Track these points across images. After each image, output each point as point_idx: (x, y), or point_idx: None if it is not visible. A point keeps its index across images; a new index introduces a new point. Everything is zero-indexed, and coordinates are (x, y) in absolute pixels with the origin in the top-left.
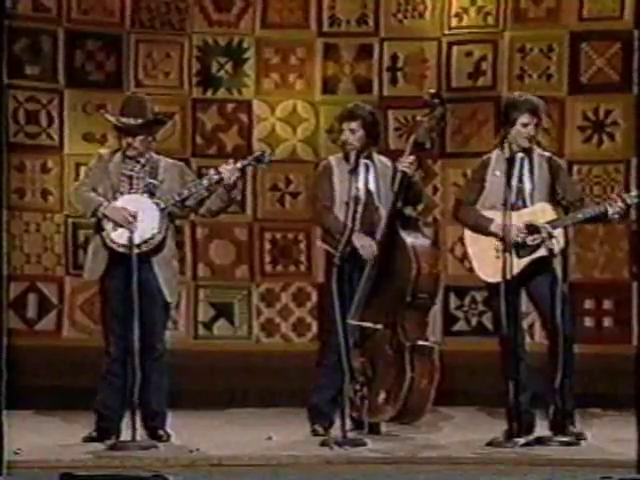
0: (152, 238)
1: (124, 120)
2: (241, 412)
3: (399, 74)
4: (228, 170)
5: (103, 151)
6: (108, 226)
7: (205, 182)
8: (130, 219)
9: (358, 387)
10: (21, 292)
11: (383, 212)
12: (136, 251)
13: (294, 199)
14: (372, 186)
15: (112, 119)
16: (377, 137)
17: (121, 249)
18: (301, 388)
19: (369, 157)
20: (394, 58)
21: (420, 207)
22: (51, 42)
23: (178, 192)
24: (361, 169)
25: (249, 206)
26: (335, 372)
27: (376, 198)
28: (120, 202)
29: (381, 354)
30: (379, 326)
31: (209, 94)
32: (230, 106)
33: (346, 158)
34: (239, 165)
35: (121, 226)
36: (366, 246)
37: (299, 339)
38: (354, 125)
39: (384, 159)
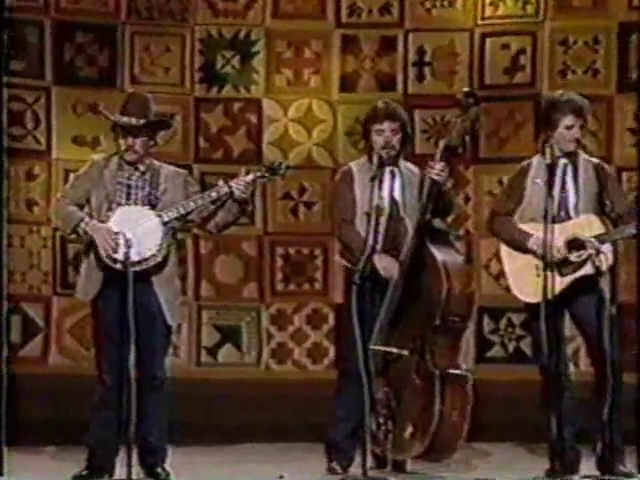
0: (153, 255)
1: (125, 120)
2: (249, 448)
3: (426, 70)
4: (240, 185)
5: (97, 157)
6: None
7: (214, 195)
8: (112, 243)
9: (381, 420)
10: (5, 313)
11: (409, 224)
12: (135, 269)
13: (309, 210)
14: (398, 195)
15: (112, 117)
16: (408, 141)
17: (118, 266)
18: (317, 421)
19: (395, 163)
20: (421, 52)
21: (450, 219)
22: (37, 34)
23: (183, 205)
24: (386, 176)
25: (259, 217)
26: (355, 403)
27: (402, 209)
28: (118, 214)
29: (407, 383)
30: (405, 352)
31: (214, 92)
32: (237, 106)
33: (370, 164)
34: (251, 178)
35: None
36: (388, 268)
37: (314, 366)
38: (395, 125)
39: (411, 166)
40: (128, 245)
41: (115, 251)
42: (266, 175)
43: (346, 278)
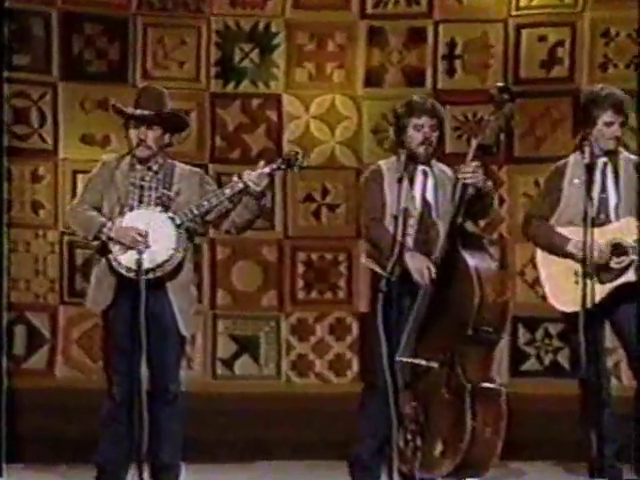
0: (167, 261)
1: (138, 112)
2: (267, 466)
3: (457, 63)
4: (254, 177)
5: (107, 157)
6: (116, 248)
7: (228, 192)
8: (140, 239)
9: (409, 436)
10: (7, 324)
11: (441, 229)
12: (149, 276)
13: (332, 212)
14: (430, 197)
15: (128, 111)
16: (442, 140)
17: (132, 274)
18: (340, 437)
19: (428, 162)
20: (451, 44)
21: (484, 222)
22: (43, 26)
23: (197, 205)
24: (418, 176)
25: (278, 221)
26: (381, 419)
27: (434, 211)
28: (128, 218)
29: (437, 398)
30: (434, 364)
31: (231, 88)
32: (256, 102)
33: (403, 161)
34: (267, 170)
35: (131, 249)
36: (421, 268)
37: (337, 379)
38: (434, 121)
39: (443, 166)
40: (140, 251)
41: (143, 246)
42: (282, 167)
43: (372, 284)
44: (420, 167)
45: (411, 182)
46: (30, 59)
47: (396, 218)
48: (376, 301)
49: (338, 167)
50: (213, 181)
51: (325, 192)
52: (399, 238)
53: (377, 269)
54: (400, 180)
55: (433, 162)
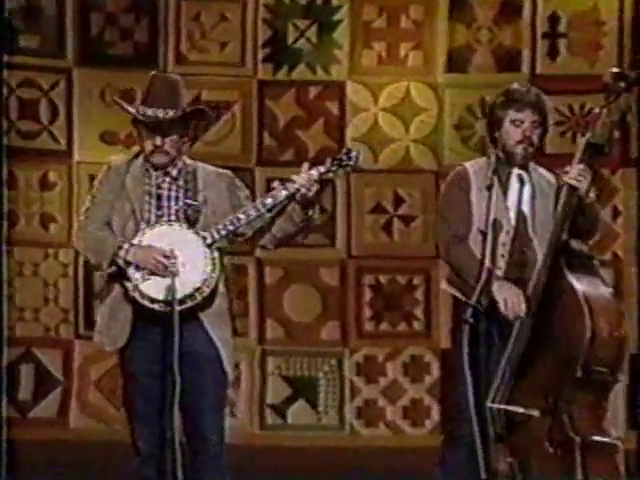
0: (199, 289)
1: (149, 112)
2: None
3: (561, 43)
4: (301, 181)
5: (116, 160)
6: (135, 275)
7: (269, 201)
8: (167, 263)
9: None
10: (11, 362)
11: (539, 247)
12: (178, 307)
13: (406, 226)
14: (526, 208)
15: (132, 110)
16: (544, 139)
17: (157, 306)
18: None
19: (525, 166)
20: (553, 20)
21: (594, 239)
22: (55, 2)
23: (232, 219)
24: (513, 183)
25: (341, 236)
26: (467, 476)
27: (530, 226)
28: (149, 238)
29: (538, 453)
30: (534, 412)
31: (283, 74)
32: (313, 91)
33: (494, 163)
34: (315, 172)
35: (155, 274)
36: (511, 301)
37: (414, 429)
38: (537, 117)
39: (543, 170)
40: (174, 275)
41: (172, 270)
42: (333, 168)
43: (455, 314)
44: (515, 171)
45: (504, 190)
46: (40, 41)
47: (484, 235)
48: (460, 334)
49: (413, 170)
50: (244, 185)
51: (398, 201)
52: (487, 262)
53: (460, 296)
54: (490, 187)
55: (532, 165)
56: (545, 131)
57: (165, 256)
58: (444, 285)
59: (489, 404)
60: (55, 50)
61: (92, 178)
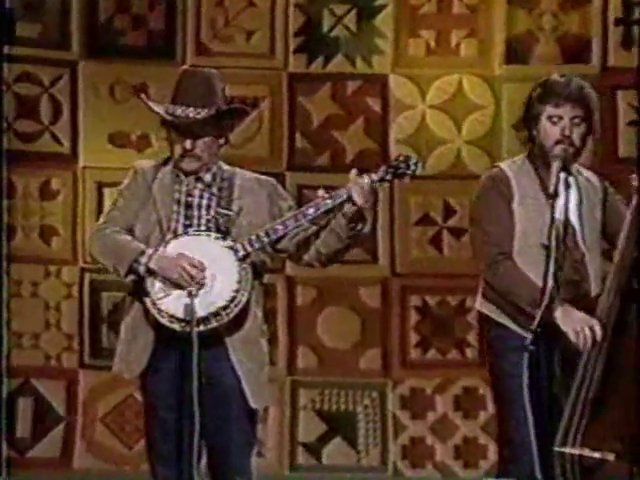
0: (226, 308)
1: (179, 112)
2: None
3: (636, 31)
4: (352, 189)
5: (142, 164)
6: (155, 288)
7: (311, 212)
8: (195, 273)
9: None
10: (8, 395)
11: (591, 261)
12: (200, 328)
13: (457, 239)
14: (574, 217)
15: (159, 109)
16: (591, 138)
17: (177, 326)
18: None
19: (566, 169)
20: (627, 4)
21: None
22: None
23: (267, 229)
24: (560, 188)
25: (383, 251)
26: None
27: (580, 237)
28: (173, 247)
29: None
30: (609, 456)
31: (317, 66)
32: (352, 86)
33: (535, 165)
34: (366, 181)
35: (179, 287)
36: (581, 329)
37: (466, 471)
38: (578, 112)
39: (588, 173)
40: (190, 293)
41: (200, 284)
42: (387, 177)
43: (495, 341)
44: (561, 175)
45: (547, 196)
46: (41, 30)
47: (547, 248)
48: (504, 364)
49: (466, 176)
50: (289, 194)
51: (448, 211)
52: (550, 282)
53: (505, 321)
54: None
55: (577, 168)
56: (591, 129)
57: (193, 266)
58: (482, 307)
59: (556, 447)
60: (58, 40)
61: (99, 185)
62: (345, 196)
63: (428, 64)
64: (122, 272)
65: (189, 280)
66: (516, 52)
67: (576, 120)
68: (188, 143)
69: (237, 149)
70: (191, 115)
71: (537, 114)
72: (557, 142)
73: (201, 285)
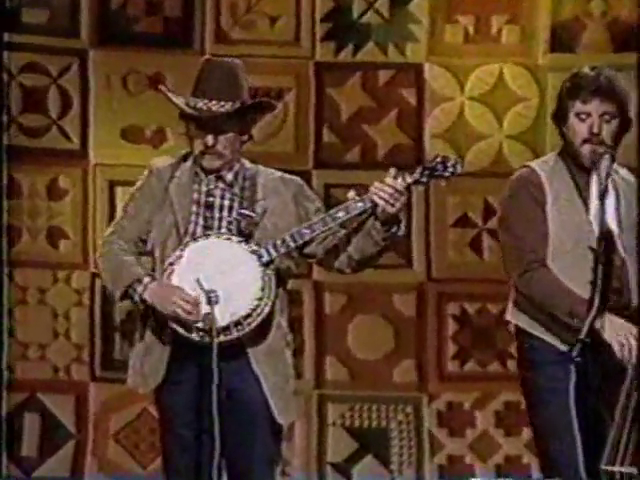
0: (248, 317)
1: (201, 105)
2: None
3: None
4: (384, 193)
5: (157, 163)
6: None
7: (341, 214)
8: (189, 309)
9: None
10: (12, 410)
11: (632, 268)
12: (221, 338)
13: (498, 242)
14: (612, 220)
15: (179, 102)
16: (624, 135)
17: (196, 335)
18: None
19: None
20: None
21: None
22: None
23: (294, 233)
24: (592, 190)
25: (418, 255)
26: None
27: (619, 242)
28: (191, 252)
29: None
30: None
31: (347, 55)
32: (384, 76)
33: (567, 164)
34: (401, 182)
35: (177, 320)
36: (627, 342)
37: None
38: (609, 107)
39: (625, 173)
40: (211, 300)
41: (196, 314)
42: (424, 179)
43: (528, 353)
44: (594, 175)
45: (584, 199)
46: (49, 17)
47: (595, 252)
48: (538, 378)
49: (508, 173)
50: (316, 195)
51: (488, 212)
52: (598, 291)
53: (542, 335)
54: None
55: (614, 167)
56: (625, 126)
57: (187, 301)
58: (514, 317)
59: (603, 466)
60: (67, 27)
61: (111, 184)
62: (377, 198)
63: (466, 52)
64: (116, 296)
65: (184, 315)
66: (562, 39)
67: (606, 116)
68: (210, 139)
69: (259, 145)
70: (214, 109)
71: (565, 110)
72: (585, 141)
73: (195, 318)
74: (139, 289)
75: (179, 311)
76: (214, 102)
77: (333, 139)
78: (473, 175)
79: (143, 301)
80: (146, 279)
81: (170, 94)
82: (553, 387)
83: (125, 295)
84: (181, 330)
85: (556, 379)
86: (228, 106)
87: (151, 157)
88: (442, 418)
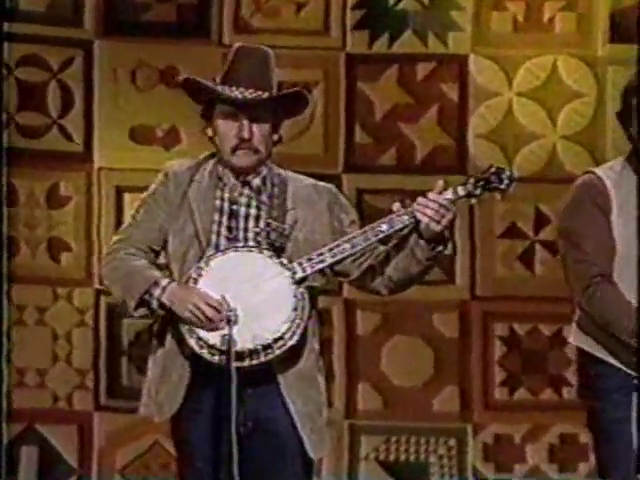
0: (280, 340)
1: (236, 93)
2: None
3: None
4: (430, 209)
5: (174, 167)
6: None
7: (383, 228)
8: (210, 314)
9: None
10: (8, 443)
11: None
12: (246, 363)
13: (552, 255)
14: None
15: (213, 86)
16: None
17: (218, 359)
18: None
19: None
20: None
21: None
22: None
23: (331, 248)
24: None
25: (461, 270)
26: None
27: None
28: (216, 266)
29: None
30: None
31: (381, 46)
32: (424, 69)
33: (636, 171)
34: (449, 196)
35: (201, 327)
36: None
37: None
38: None
39: None
40: (229, 320)
41: (233, 321)
42: (477, 191)
43: (594, 379)
44: None
45: None
46: (48, 3)
47: None
48: (604, 405)
49: (563, 178)
50: (351, 204)
51: (541, 221)
52: None
53: (606, 357)
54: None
55: None
56: None
57: (210, 305)
58: (577, 340)
59: None
60: (68, 15)
61: (119, 190)
62: (421, 212)
63: (515, 43)
64: (131, 305)
65: (205, 322)
66: (623, 28)
67: None
68: (246, 130)
69: (284, 146)
70: (248, 97)
71: (631, 109)
72: None
73: (228, 322)
74: (157, 293)
75: (199, 314)
76: (251, 90)
77: (366, 140)
78: (523, 180)
79: (162, 306)
80: (164, 281)
81: (199, 79)
82: (619, 417)
83: (141, 303)
84: (202, 352)
85: (621, 408)
86: (265, 95)
87: (163, 160)
88: (488, 452)
